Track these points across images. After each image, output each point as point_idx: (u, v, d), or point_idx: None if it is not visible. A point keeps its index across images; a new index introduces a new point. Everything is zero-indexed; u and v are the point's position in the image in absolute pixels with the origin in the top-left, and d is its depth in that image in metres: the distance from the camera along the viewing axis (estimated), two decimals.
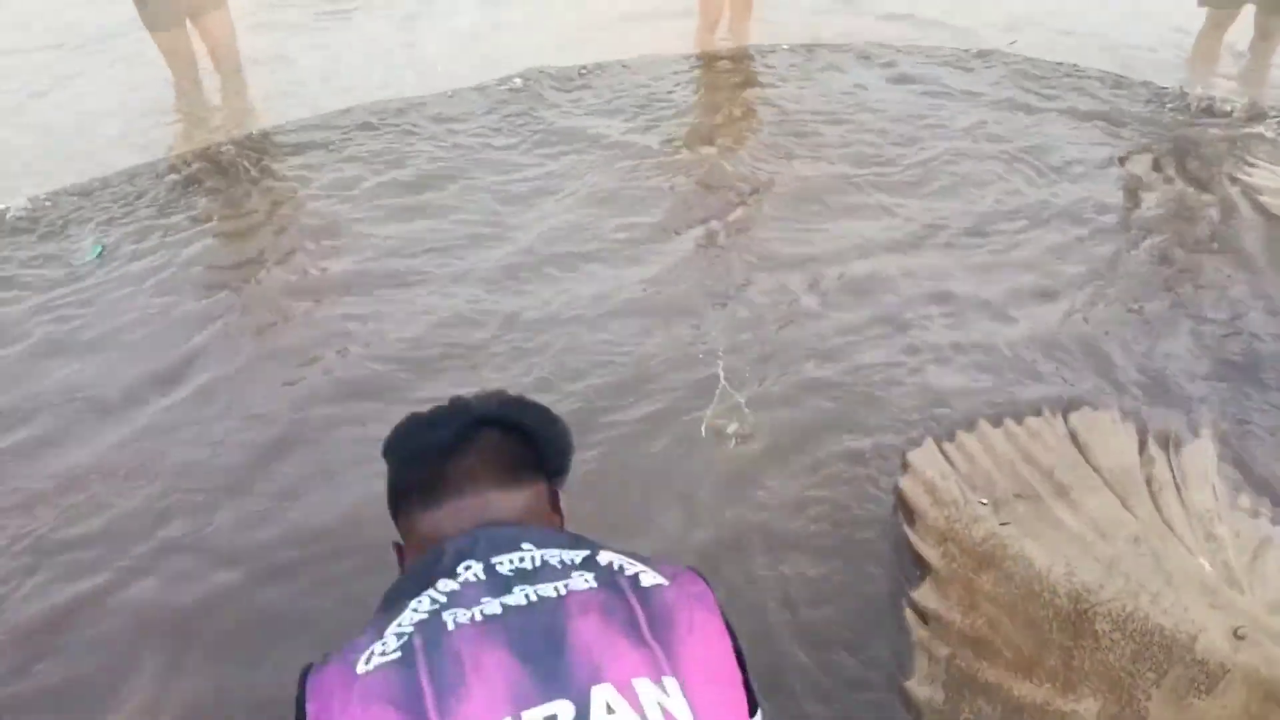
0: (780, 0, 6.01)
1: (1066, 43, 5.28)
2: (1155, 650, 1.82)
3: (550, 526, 1.16)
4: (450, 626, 0.92)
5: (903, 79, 4.89)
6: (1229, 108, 4.49)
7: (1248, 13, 4.92)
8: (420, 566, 1.03)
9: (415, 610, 0.95)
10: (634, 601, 0.96)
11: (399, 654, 0.90)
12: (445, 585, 0.98)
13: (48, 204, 3.99)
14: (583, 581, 0.98)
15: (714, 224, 3.66)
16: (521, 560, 1.00)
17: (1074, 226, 3.59)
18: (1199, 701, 1.74)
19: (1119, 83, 4.82)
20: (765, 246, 3.49)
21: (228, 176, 4.20)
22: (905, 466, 2.43)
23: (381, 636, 0.93)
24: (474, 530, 1.06)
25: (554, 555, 1.02)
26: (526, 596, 0.95)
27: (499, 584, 0.97)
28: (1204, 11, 5.01)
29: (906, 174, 3.98)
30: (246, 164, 4.26)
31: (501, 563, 1.00)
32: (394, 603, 0.99)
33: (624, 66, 5.13)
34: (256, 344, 3.07)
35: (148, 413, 2.78)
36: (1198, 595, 1.89)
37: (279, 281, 3.40)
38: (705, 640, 0.96)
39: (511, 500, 1.12)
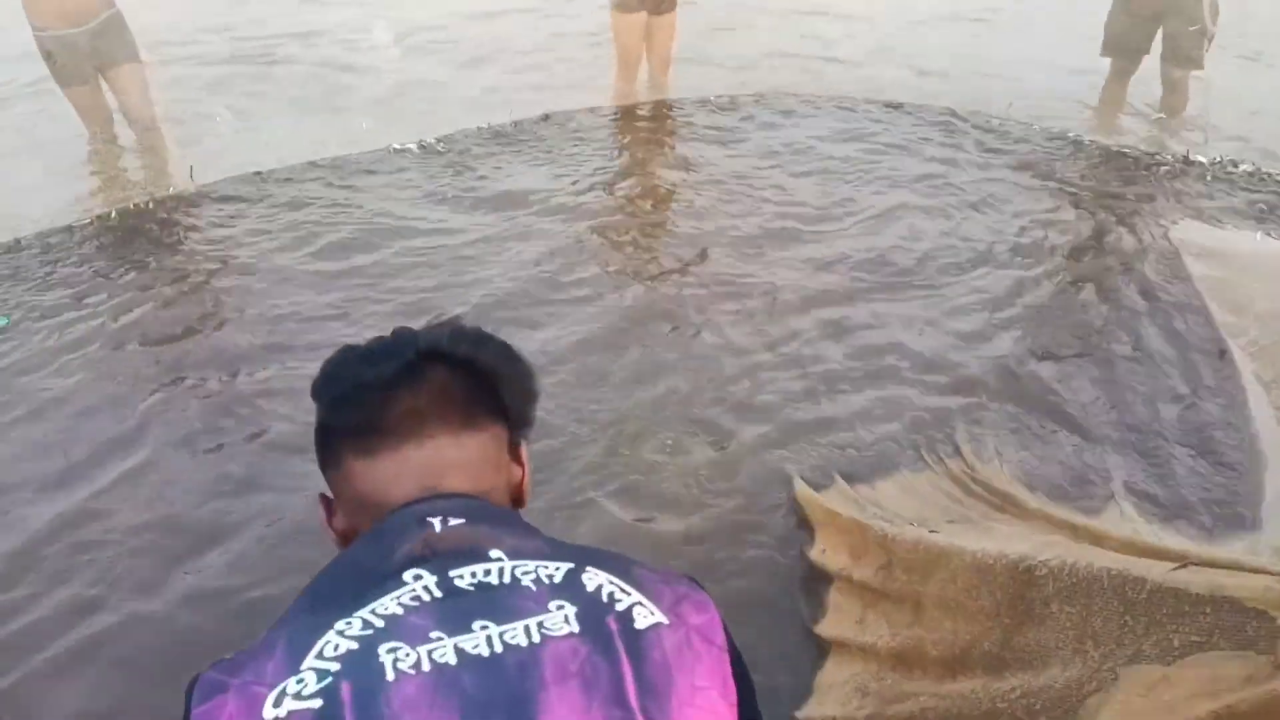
0: (699, 54, 6.10)
1: (981, 88, 5.45)
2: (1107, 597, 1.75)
3: (512, 490, 1.00)
4: (389, 674, 0.72)
5: (829, 131, 5.00)
6: (1155, 159, 4.63)
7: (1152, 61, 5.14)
8: (357, 557, 0.85)
9: (343, 635, 0.75)
10: (624, 658, 0.75)
11: (320, 703, 0.70)
12: (385, 605, 0.77)
13: None
14: (562, 622, 0.76)
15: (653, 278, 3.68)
16: (487, 574, 0.80)
17: (1004, 272, 3.71)
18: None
19: (1041, 133, 4.98)
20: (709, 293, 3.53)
21: (145, 240, 4.07)
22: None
23: (298, 669, 0.73)
24: (424, 508, 0.87)
25: (528, 569, 0.81)
26: (489, 642, 0.74)
27: (455, 612, 0.77)
28: (1108, 60, 5.23)
29: (841, 224, 4.07)
30: (164, 226, 4.14)
31: (461, 575, 0.79)
32: (321, 604, 0.80)
33: (546, 120, 5.15)
34: (176, 424, 2.95)
35: (71, 499, 2.65)
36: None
37: (203, 352, 3.29)
38: (709, 709, 0.77)
39: (464, 448, 0.93)
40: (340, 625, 0.75)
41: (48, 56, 4.56)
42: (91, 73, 4.69)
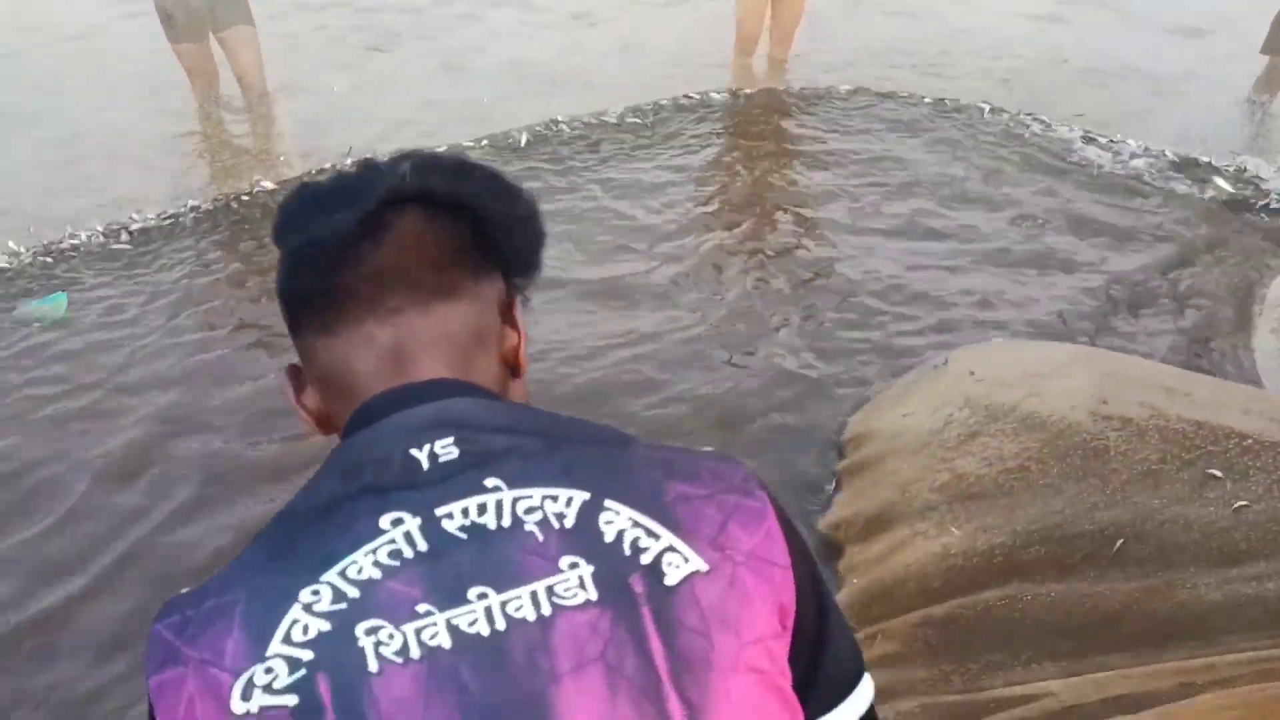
0: (827, 32, 5.72)
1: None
2: None
3: (506, 359, 0.79)
4: (372, 664, 0.60)
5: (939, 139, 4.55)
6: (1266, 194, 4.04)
7: None
8: (321, 492, 0.68)
9: (312, 612, 0.62)
10: (652, 632, 0.62)
11: (295, 700, 0.59)
12: (359, 566, 0.62)
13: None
14: (577, 587, 0.62)
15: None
16: (482, 511, 0.64)
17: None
18: None
19: (1147, 151, 4.42)
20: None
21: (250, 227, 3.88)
22: None
23: (263, 656, 0.61)
24: (401, 420, 0.70)
25: (533, 503, 0.65)
26: (490, 616, 0.61)
27: (446, 574, 0.62)
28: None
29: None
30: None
31: (450, 514, 0.64)
32: (281, 555, 0.65)
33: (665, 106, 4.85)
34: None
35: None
36: None
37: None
38: (756, 670, 0.63)
39: (440, 321, 0.74)
40: (307, 597, 0.62)
41: (163, 11, 4.46)
42: (204, 31, 4.57)
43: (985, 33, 5.82)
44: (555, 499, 0.65)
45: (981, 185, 4.07)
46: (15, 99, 4.97)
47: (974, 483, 2.14)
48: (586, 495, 0.65)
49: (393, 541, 0.63)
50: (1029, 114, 4.68)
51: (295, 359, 0.79)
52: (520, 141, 4.46)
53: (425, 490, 0.65)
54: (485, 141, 4.47)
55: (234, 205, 4.00)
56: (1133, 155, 4.33)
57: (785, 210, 3.94)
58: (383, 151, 4.17)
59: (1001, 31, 5.85)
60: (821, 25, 5.67)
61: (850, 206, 3.90)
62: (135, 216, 3.86)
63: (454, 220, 0.75)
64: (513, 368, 0.80)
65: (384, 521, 0.64)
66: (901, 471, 2.29)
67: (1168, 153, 4.32)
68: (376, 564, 0.62)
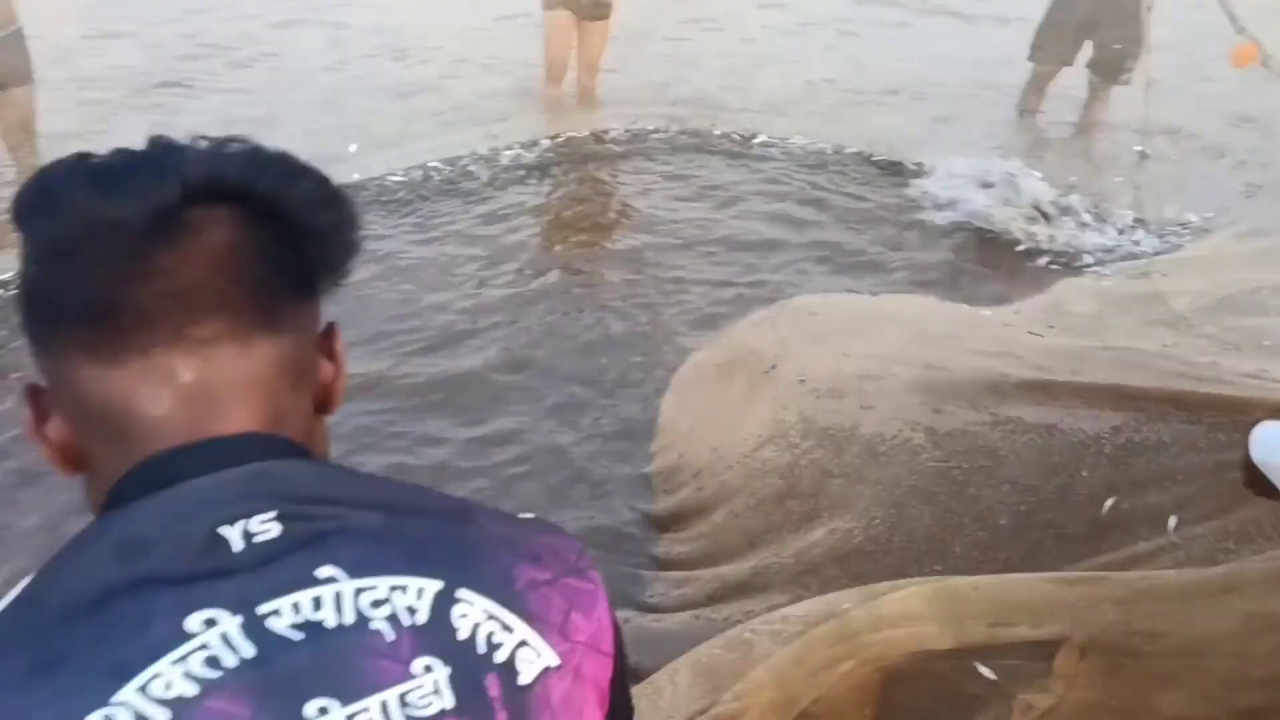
0: (629, 61, 5.75)
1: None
2: None
3: (317, 395, 0.67)
4: None
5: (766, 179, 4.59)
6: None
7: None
8: (97, 566, 0.53)
9: None
10: None
11: None
12: (167, 679, 0.49)
13: None
14: (432, 693, 0.54)
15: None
16: (318, 606, 0.53)
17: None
18: None
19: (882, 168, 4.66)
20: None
21: None
22: None
23: None
24: (206, 488, 0.56)
25: (379, 595, 0.55)
26: None
27: (278, 685, 0.51)
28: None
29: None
30: None
31: (278, 610, 0.53)
32: (47, 661, 0.50)
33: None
34: None
35: None
36: None
37: None
38: None
39: (264, 356, 0.61)
40: None
41: None
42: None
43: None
44: (404, 590, 0.55)
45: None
46: None
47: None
48: (439, 585, 0.57)
49: (206, 647, 0.51)
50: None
51: (32, 375, 0.63)
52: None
53: (241, 579, 0.53)
54: None
55: None
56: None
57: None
58: None
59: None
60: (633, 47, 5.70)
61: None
62: None
63: (272, 230, 0.63)
64: (322, 405, 0.69)
65: (192, 622, 0.51)
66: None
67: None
68: (189, 676, 0.50)
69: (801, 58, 6.18)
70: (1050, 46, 5.04)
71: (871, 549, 1.92)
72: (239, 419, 0.60)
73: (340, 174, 4.15)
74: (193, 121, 4.78)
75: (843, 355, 2.42)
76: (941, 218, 4.10)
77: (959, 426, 2.04)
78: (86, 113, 4.87)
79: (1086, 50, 5.01)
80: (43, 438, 0.63)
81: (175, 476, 0.57)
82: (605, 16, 5.09)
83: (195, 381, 0.59)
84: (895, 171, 4.60)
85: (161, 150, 0.62)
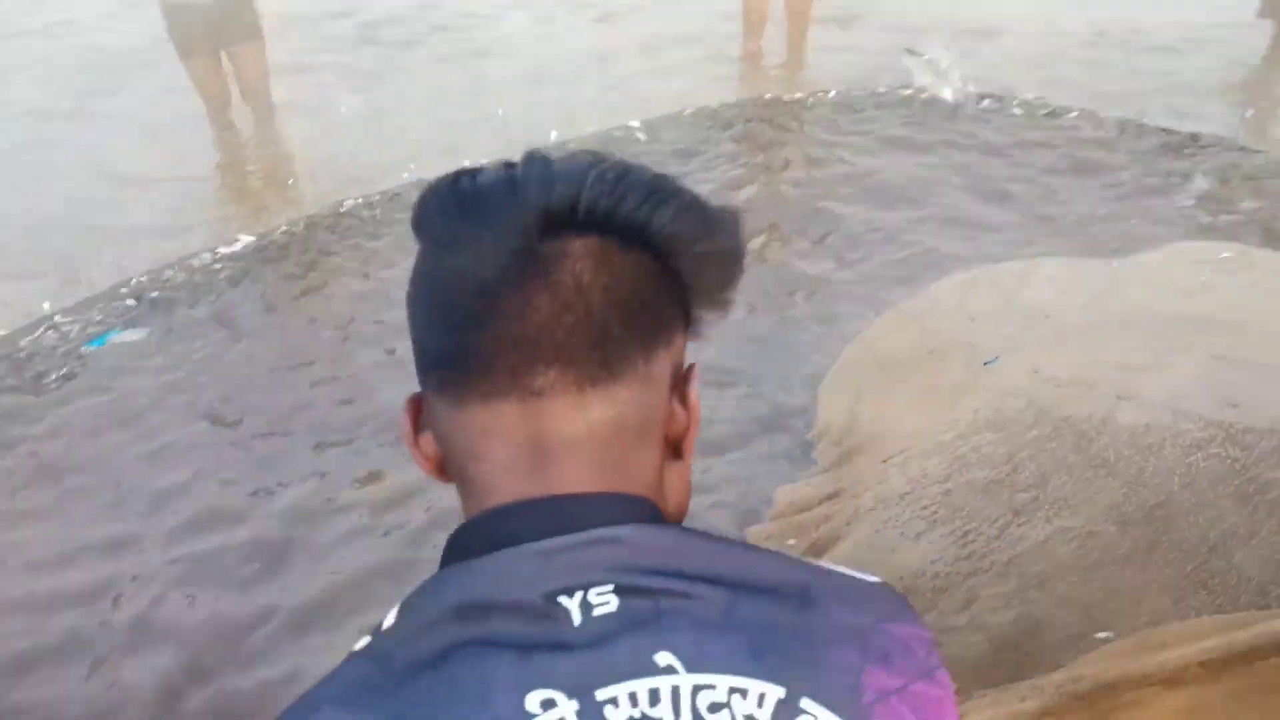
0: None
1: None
2: None
3: (670, 442, 0.63)
4: None
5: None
6: None
7: None
8: (438, 625, 0.53)
9: None
10: None
11: None
12: None
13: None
14: None
15: None
16: (655, 700, 0.50)
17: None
18: None
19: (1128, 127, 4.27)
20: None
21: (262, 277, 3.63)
22: None
23: None
24: (545, 556, 0.55)
25: (718, 693, 0.51)
26: None
27: None
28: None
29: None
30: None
31: (615, 700, 0.50)
32: (391, 707, 0.51)
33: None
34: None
35: None
36: None
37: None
38: None
39: (604, 409, 0.58)
40: None
41: (170, 26, 4.32)
42: (213, 47, 4.43)
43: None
44: (744, 695, 0.51)
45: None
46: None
47: None
48: (781, 692, 0.52)
49: None
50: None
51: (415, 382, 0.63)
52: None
53: (580, 658, 0.51)
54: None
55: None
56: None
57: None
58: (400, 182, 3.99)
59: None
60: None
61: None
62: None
63: (637, 263, 0.58)
64: (675, 450, 0.64)
65: (531, 701, 0.50)
66: None
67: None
68: None
69: None
70: None
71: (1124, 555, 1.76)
72: (579, 476, 0.58)
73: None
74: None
75: (1092, 350, 2.25)
76: None
77: (1264, 425, 1.80)
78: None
79: None
80: (417, 449, 0.63)
81: (516, 535, 0.56)
82: None
83: (532, 434, 0.57)
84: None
85: (527, 170, 0.58)
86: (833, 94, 4.77)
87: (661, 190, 0.58)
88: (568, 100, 4.83)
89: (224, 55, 4.50)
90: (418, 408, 0.63)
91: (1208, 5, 5.39)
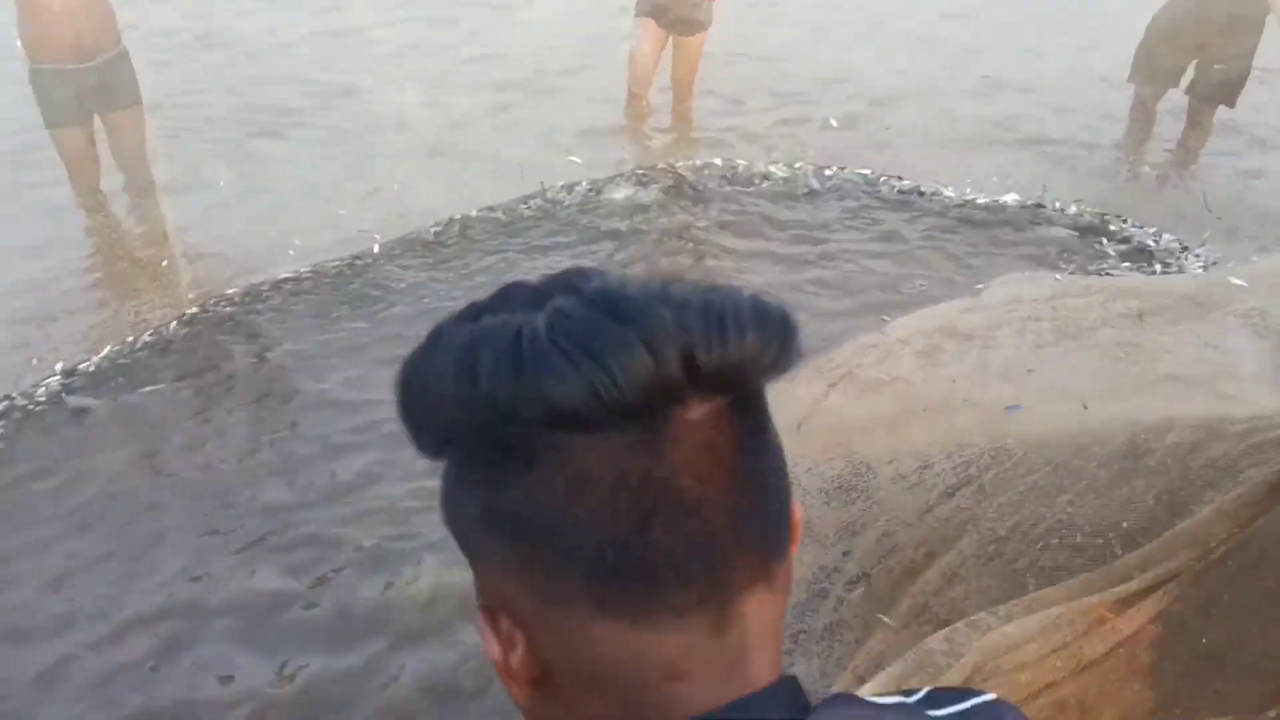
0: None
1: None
2: None
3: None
4: None
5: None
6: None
7: None
8: None
9: None
10: None
11: None
12: None
13: None
14: None
15: None
16: None
17: None
18: None
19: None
20: None
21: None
22: None
23: None
24: None
25: None
26: None
27: None
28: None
29: None
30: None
31: None
32: None
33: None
34: None
35: None
36: None
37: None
38: None
39: (783, 584, 0.52)
40: None
41: (40, 94, 4.08)
42: (88, 115, 4.22)
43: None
44: None
45: None
46: None
47: None
48: None
49: None
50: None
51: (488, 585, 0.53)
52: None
53: None
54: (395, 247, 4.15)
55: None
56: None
57: None
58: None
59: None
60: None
61: None
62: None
63: (750, 412, 0.50)
64: None
65: None
66: None
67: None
68: None
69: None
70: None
71: None
72: (766, 665, 0.51)
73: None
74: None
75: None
76: None
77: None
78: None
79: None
80: (510, 673, 0.52)
81: None
82: (698, 31, 5.00)
83: (736, 635, 0.50)
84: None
85: (631, 305, 0.46)
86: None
87: (789, 328, 0.49)
88: (465, 173, 4.79)
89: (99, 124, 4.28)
90: (495, 619, 0.52)
91: None
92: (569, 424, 0.45)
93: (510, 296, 0.51)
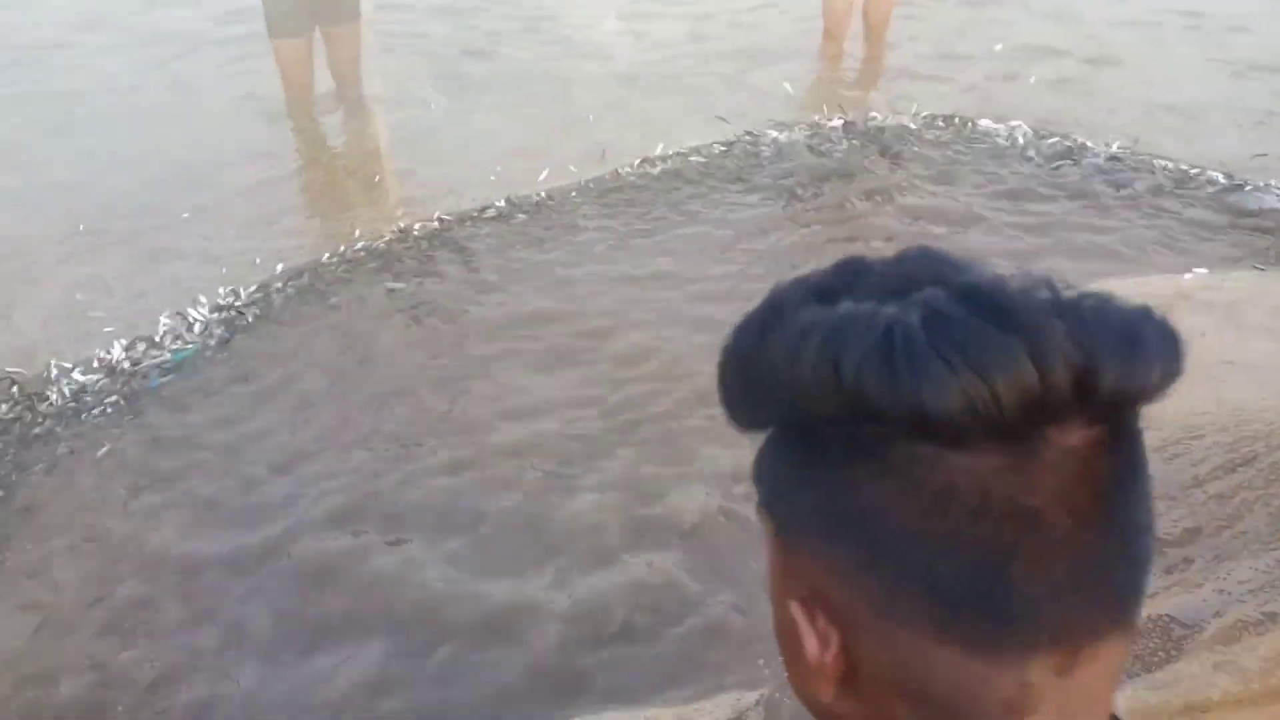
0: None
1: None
2: None
3: None
4: None
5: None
6: None
7: None
8: None
9: None
10: None
11: None
12: None
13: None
14: None
15: None
16: None
17: None
18: None
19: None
20: None
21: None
22: None
23: None
24: None
25: None
26: None
27: None
28: None
29: None
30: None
31: None
32: None
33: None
34: None
35: None
36: None
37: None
38: None
39: (1132, 633, 0.48)
40: None
41: (270, 4, 4.27)
42: (310, 27, 4.37)
43: None
44: None
45: None
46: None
47: None
48: None
49: None
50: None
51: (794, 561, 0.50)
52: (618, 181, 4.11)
53: None
54: (592, 185, 4.09)
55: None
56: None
57: None
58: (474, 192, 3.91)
59: None
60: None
61: None
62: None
63: (1124, 443, 0.45)
64: None
65: None
66: None
67: None
68: None
69: None
70: None
71: None
72: (1107, 704, 0.49)
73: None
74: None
75: None
76: None
77: None
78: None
79: None
80: (821, 670, 0.49)
81: None
82: None
83: (1086, 678, 0.46)
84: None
85: (1016, 309, 0.41)
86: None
87: (1174, 340, 0.43)
88: (662, 111, 4.72)
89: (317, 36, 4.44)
90: (811, 609, 0.49)
91: None
92: (935, 435, 0.42)
93: (861, 277, 0.47)
